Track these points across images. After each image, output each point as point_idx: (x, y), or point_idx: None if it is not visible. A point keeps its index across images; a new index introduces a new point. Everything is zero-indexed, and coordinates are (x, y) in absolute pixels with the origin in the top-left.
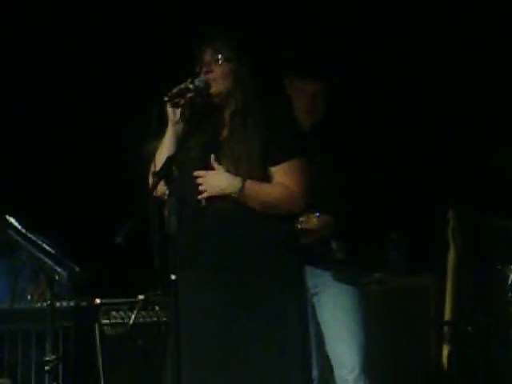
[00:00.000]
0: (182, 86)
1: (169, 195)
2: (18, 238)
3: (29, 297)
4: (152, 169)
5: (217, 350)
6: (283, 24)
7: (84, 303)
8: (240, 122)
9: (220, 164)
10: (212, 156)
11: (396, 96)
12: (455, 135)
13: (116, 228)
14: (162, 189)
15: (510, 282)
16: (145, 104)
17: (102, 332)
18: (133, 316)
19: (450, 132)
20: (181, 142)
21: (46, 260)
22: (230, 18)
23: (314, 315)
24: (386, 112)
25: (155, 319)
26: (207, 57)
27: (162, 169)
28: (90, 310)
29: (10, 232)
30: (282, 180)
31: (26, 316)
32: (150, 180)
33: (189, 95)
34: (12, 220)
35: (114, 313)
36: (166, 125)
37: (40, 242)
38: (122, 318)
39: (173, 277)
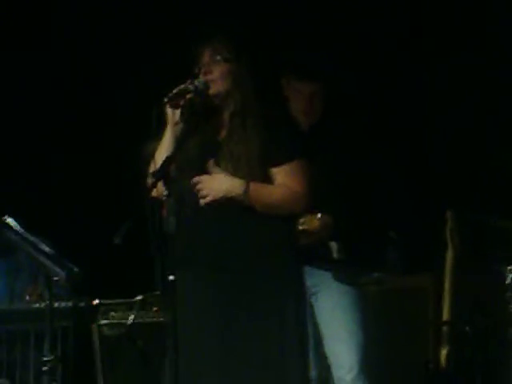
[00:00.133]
0: (182, 87)
1: (167, 195)
2: (17, 239)
3: (27, 297)
4: (151, 169)
5: (216, 350)
6: (282, 24)
7: (82, 303)
8: (239, 122)
9: (219, 165)
10: (211, 161)
11: (395, 96)
12: (453, 136)
13: (114, 228)
14: (160, 189)
15: (508, 282)
16: (144, 104)
17: (100, 332)
18: (131, 316)
19: (448, 132)
20: (179, 142)
21: (45, 260)
22: (229, 18)
23: (312, 315)
24: (384, 112)
25: (154, 320)
26: (206, 57)
27: (160, 169)
28: (89, 310)
29: (8, 232)
30: (284, 181)
31: (25, 316)
32: (149, 180)
33: (188, 96)
34: (10, 220)
35: (112, 313)
36: (165, 125)
37: (38, 243)
38: (121, 319)
39: (171, 277)
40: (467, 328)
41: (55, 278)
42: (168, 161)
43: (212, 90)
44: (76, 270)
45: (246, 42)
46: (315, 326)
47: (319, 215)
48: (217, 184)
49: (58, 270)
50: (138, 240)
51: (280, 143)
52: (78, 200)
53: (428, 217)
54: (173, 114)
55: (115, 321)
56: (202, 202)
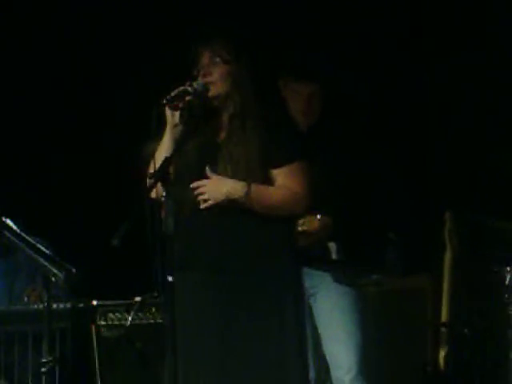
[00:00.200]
0: (181, 88)
1: (166, 196)
2: (15, 240)
3: (26, 298)
4: (150, 170)
5: (216, 350)
6: (281, 25)
7: (81, 305)
8: (239, 124)
9: (218, 166)
10: (207, 169)
11: (394, 96)
12: (452, 136)
13: (113, 230)
14: (159, 190)
15: (506, 283)
16: (144, 105)
17: (98, 334)
18: (130, 318)
19: (446, 133)
20: (178, 144)
21: (43, 261)
22: (229, 19)
23: (311, 316)
24: (383, 112)
25: (152, 321)
26: (205, 59)
27: (158, 170)
28: (87, 311)
29: (7, 233)
30: (284, 182)
31: (23, 317)
32: (148, 181)
33: (187, 98)
34: (9, 221)
35: (110, 314)
36: (164, 126)
37: (37, 244)
38: (119, 320)
39: (170, 278)
40: (466, 329)
41: (53, 279)
42: (166, 162)
43: (211, 92)
44: (74, 271)
45: (246, 43)
46: (314, 326)
47: (319, 216)
48: (218, 187)
49: (56, 271)
50: (137, 241)
51: (280, 144)
52: (77, 201)
53: (427, 218)
54: (172, 116)
55: (114, 322)
56: (203, 205)
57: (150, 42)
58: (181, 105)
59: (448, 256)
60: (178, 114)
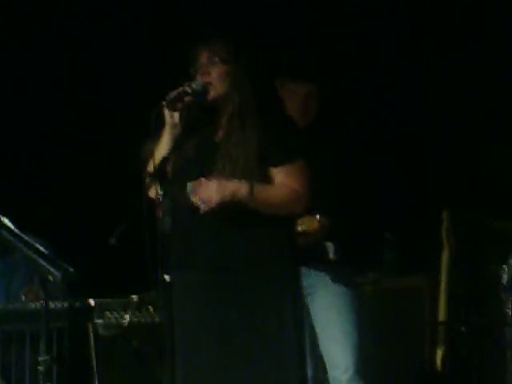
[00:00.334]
0: (180, 89)
1: (163, 196)
2: (12, 239)
3: (23, 297)
4: (148, 170)
5: (214, 350)
6: (280, 24)
7: (78, 304)
8: (237, 124)
9: (216, 166)
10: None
11: (392, 97)
12: (449, 136)
13: (110, 229)
14: (157, 190)
15: (503, 282)
16: (143, 105)
17: (96, 332)
18: (127, 316)
19: (443, 133)
20: (176, 143)
21: (40, 260)
22: (227, 19)
23: (308, 315)
24: (381, 112)
25: (149, 320)
26: (204, 59)
27: (156, 170)
28: (84, 310)
29: (4, 232)
30: (284, 181)
31: (20, 316)
32: (146, 181)
33: (187, 99)
34: (5, 220)
35: (108, 313)
36: (163, 127)
37: (33, 243)
38: (116, 319)
39: (167, 277)
40: (463, 328)
41: (51, 279)
42: (164, 162)
43: (210, 92)
44: (71, 270)
45: (244, 43)
46: (311, 326)
47: (318, 217)
48: (222, 187)
49: (53, 270)
50: (134, 240)
51: (279, 144)
52: (75, 200)
53: (424, 217)
54: (171, 116)
55: (111, 321)
56: (204, 207)
57: (149, 42)
58: (180, 105)
59: (445, 255)
60: (177, 114)
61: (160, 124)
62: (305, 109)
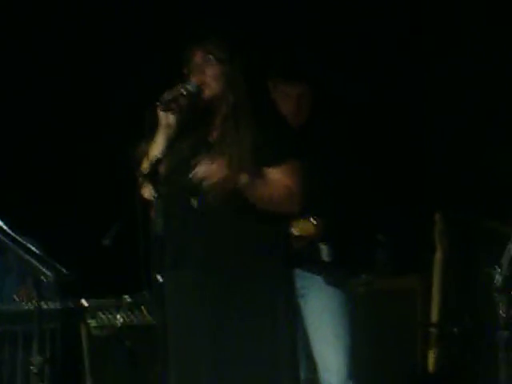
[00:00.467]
0: (174, 90)
1: (156, 196)
2: (5, 240)
3: (16, 298)
4: (141, 170)
5: (207, 350)
6: (278, 24)
7: (71, 305)
8: (232, 124)
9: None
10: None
11: (387, 98)
12: (443, 138)
13: (104, 229)
14: (149, 190)
15: (496, 283)
16: (138, 106)
17: (88, 333)
18: (120, 317)
19: (437, 135)
20: (170, 144)
21: (33, 262)
22: (222, 18)
23: (300, 317)
24: (375, 113)
25: (142, 320)
26: (198, 58)
27: (149, 170)
28: (77, 311)
29: None
30: (279, 179)
31: (13, 317)
32: (139, 181)
33: (181, 100)
34: None
35: (100, 314)
36: (157, 128)
37: (26, 244)
38: (109, 319)
39: (159, 278)
40: (455, 330)
41: (44, 279)
42: (157, 162)
43: (204, 92)
44: (64, 271)
45: (239, 42)
46: (303, 328)
47: (313, 220)
48: (224, 167)
49: (46, 271)
50: (127, 241)
51: (273, 144)
52: (68, 201)
53: (417, 218)
54: (165, 117)
55: (104, 322)
56: (207, 182)
57: (148, 42)
58: (174, 106)
59: (438, 257)
60: (171, 115)
61: (154, 125)
62: (297, 110)
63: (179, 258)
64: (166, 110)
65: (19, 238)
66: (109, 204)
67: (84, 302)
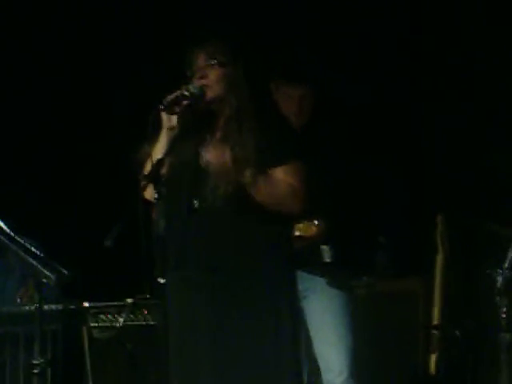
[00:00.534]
0: (178, 93)
1: (157, 198)
2: (6, 241)
3: (18, 300)
4: (143, 172)
5: (209, 350)
6: (279, 25)
7: (72, 306)
8: (235, 126)
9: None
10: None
11: (387, 99)
12: (444, 139)
13: (105, 231)
14: (151, 191)
15: (497, 285)
16: (140, 107)
17: (90, 335)
18: (121, 319)
19: (438, 136)
20: (172, 145)
21: (34, 263)
22: (224, 21)
23: (303, 318)
24: (376, 114)
25: (143, 322)
26: (201, 61)
27: (150, 172)
28: (79, 313)
29: None
30: (282, 178)
31: (15, 319)
32: (141, 183)
33: (184, 102)
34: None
35: (102, 316)
36: (160, 129)
37: (28, 245)
38: (111, 322)
39: (161, 280)
40: (457, 332)
41: (45, 281)
42: (158, 164)
43: (207, 95)
44: (66, 272)
45: (241, 45)
46: (305, 329)
47: (316, 222)
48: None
49: (47, 272)
50: (129, 242)
51: (276, 146)
52: (69, 202)
53: (418, 220)
54: (168, 119)
55: (105, 324)
56: (215, 164)
57: (149, 42)
58: (177, 109)
59: (439, 258)
60: (174, 117)
61: (157, 127)
62: (299, 111)
63: (181, 258)
64: (169, 111)
65: (20, 240)
66: (110, 205)
67: (85, 304)
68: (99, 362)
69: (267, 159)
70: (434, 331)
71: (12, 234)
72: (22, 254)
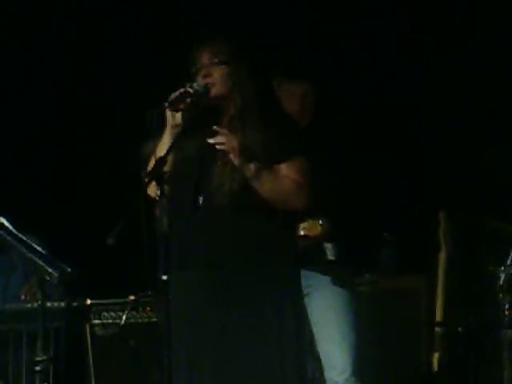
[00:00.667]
0: (182, 90)
1: (160, 195)
2: (9, 239)
3: (22, 297)
4: (147, 169)
5: (212, 349)
6: (281, 25)
7: (75, 304)
8: (239, 124)
9: (217, 165)
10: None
11: (389, 97)
12: (446, 137)
13: (108, 229)
14: (154, 189)
15: (500, 283)
16: (142, 105)
17: (92, 332)
18: (124, 316)
19: (441, 133)
20: (175, 142)
21: (37, 260)
22: (228, 19)
23: (306, 316)
24: (379, 112)
25: (146, 320)
26: (205, 60)
27: (153, 169)
28: (81, 310)
29: (1, 232)
30: (286, 174)
31: (17, 316)
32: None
33: (188, 100)
34: (3, 220)
35: (105, 313)
36: (164, 127)
37: (31, 243)
38: (113, 319)
39: (164, 277)
40: (460, 329)
41: (48, 278)
42: (161, 161)
43: (212, 93)
44: (69, 270)
45: (246, 43)
46: (308, 327)
47: (321, 221)
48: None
49: (50, 270)
50: (132, 240)
51: (280, 144)
52: (70, 200)
53: (421, 217)
54: (173, 117)
55: (108, 321)
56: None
57: (149, 42)
58: (182, 106)
59: (442, 256)
60: (178, 114)
61: (161, 124)
62: (301, 109)
63: (184, 256)
64: (173, 109)
65: (23, 237)
66: (113, 203)
67: (88, 301)
68: (102, 359)
69: (271, 155)
70: (437, 328)
71: (15, 231)
72: (25, 251)
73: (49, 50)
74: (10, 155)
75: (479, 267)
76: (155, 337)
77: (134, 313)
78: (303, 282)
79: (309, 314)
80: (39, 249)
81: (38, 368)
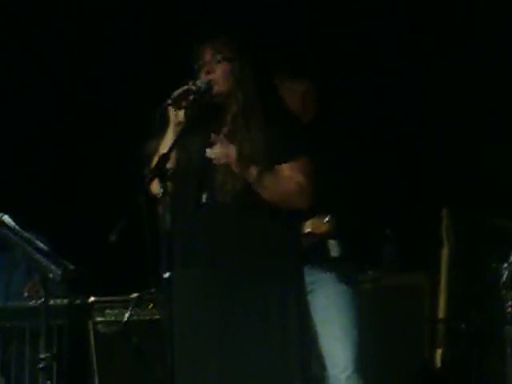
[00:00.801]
0: (184, 87)
1: (163, 193)
2: (12, 236)
3: (25, 294)
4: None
5: (215, 347)
6: (282, 23)
7: (78, 301)
8: (242, 122)
9: (221, 164)
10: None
11: (391, 95)
12: (449, 134)
13: (111, 226)
14: (157, 186)
15: (503, 279)
16: (144, 103)
17: (95, 330)
18: (127, 314)
19: (443, 131)
20: (177, 139)
21: (40, 258)
22: (231, 16)
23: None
24: (381, 112)
25: (149, 317)
26: (208, 56)
27: (155, 167)
28: (84, 307)
29: (4, 230)
30: (289, 175)
31: (21, 313)
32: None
33: (191, 97)
34: (6, 217)
35: (107, 310)
36: (167, 125)
37: (34, 240)
38: (116, 316)
39: (166, 275)
40: (463, 325)
41: (51, 276)
42: (164, 158)
43: (214, 90)
44: (72, 267)
45: (248, 40)
46: (311, 323)
47: (326, 219)
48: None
49: (53, 267)
50: (134, 237)
51: (283, 142)
52: (73, 198)
53: (424, 214)
54: (176, 114)
55: (111, 318)
56: (219, 160)
57: (150, 41)
58: (184, 103)
59: (445, 253)
60: (181, 112)
61: (164, 123)
62: (303, 107)
63: (187, 254)
64: (176, 106)
65: (26, 235)
66: (115, 200)
67: (91, 299)
68: (105, 356)
69: (274, 154)
70: (440, 325)
71: (18, 229)
72: (28, 248)
73: (49, 49)
74: (15, 153)
75: (482, 264)
76: (158, 334)
77: (137, 310)
78: (307, 278)
79: (312, 311)
80: (42, 246)
81: (41, 365)
